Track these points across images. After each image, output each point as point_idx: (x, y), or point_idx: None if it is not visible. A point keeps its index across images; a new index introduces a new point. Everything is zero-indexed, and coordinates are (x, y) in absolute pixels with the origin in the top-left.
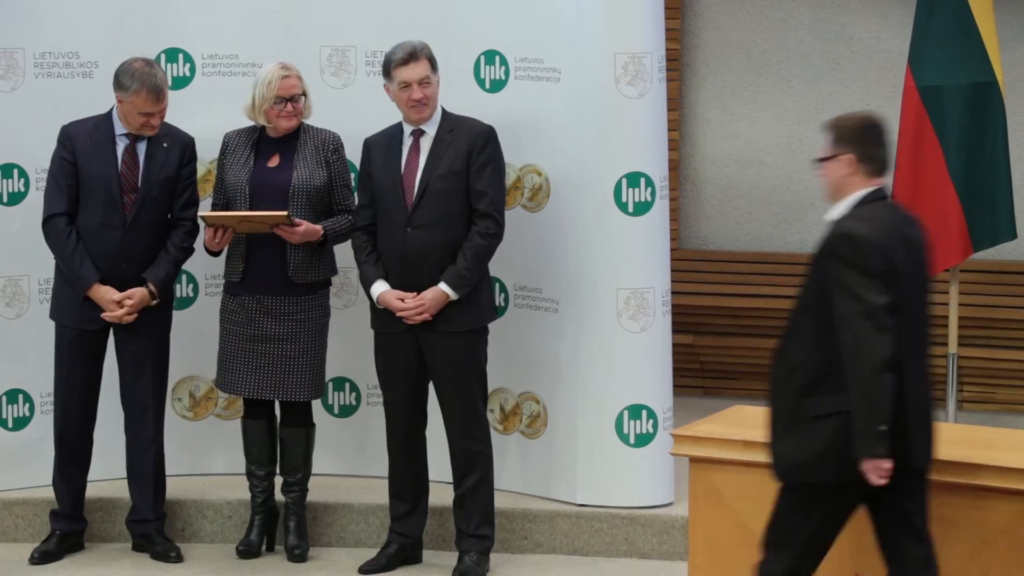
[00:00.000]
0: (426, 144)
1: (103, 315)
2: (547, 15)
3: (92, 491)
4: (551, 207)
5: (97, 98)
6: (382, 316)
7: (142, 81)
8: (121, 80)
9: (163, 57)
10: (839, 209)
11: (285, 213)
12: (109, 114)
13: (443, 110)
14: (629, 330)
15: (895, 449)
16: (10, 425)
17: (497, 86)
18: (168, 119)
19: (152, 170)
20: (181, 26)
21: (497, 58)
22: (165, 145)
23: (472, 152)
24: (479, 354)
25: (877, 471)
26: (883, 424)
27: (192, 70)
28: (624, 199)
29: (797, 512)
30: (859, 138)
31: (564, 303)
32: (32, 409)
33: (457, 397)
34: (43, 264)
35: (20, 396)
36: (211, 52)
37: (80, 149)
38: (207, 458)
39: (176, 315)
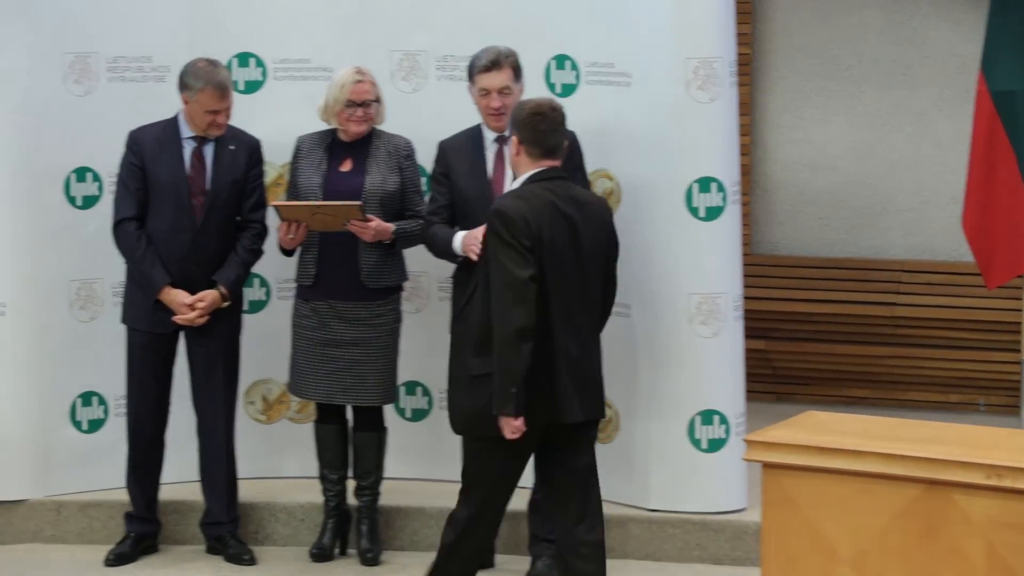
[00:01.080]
0: (510, 152)
1: (175, 318)
2: (618, 19)
3: (166, 493)
4: (622, 212)
5: (169, 102)
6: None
7: (207, 79)
8: (186, 80)
9: (234, 62)
10: (512, 187)
11: (359, 203)
12: (176, 118)
13: None
14: (701, 335)
15: (545, 407)
16: (85, 427)
17: (568, 90)
18: (239, 123)
19: (220, 172)
20: (252, 30)
21: (567, 62)
22: (232, 148)
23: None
24: None
25: (509, 427)
26: (513, 386)
27: (263, 74)
28: (695, 204)
29: (477, 460)
30: (524, 124)
31: (636, 308)
32: (106, 411)
33: None
34: (117, 267)
35: (94, 399)
36: (282, 56)
37: (148, 153)
38: (280, 461)
39: (249, 318)
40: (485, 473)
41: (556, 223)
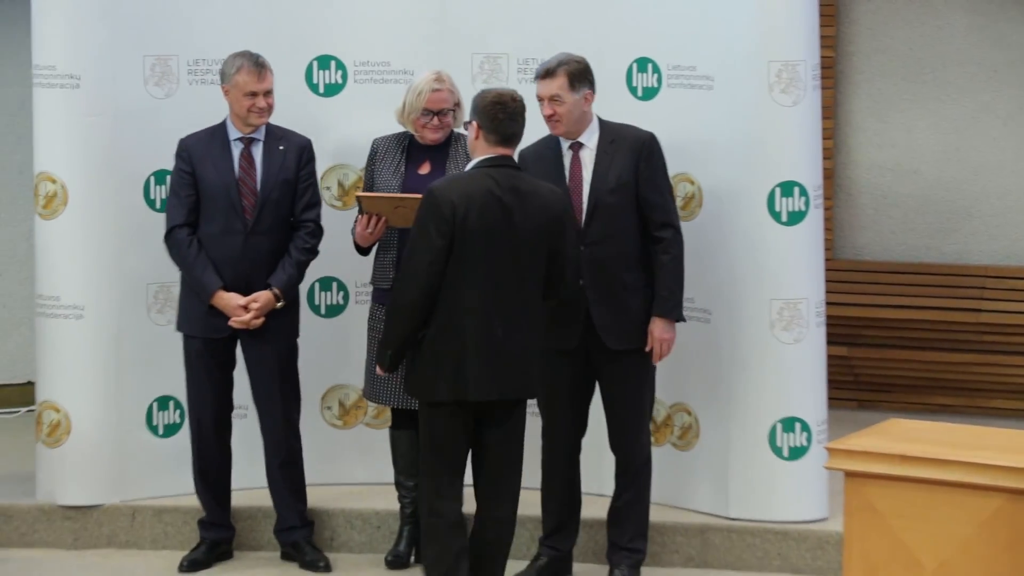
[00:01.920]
0: (588, 158)
1: (230, 322)
2: (700, 22)
3: (240, 500)
4: (703, 216)
5: None
6: (572, 335)
7: (242, 58)
8: (223, 70)
9: (315, 64)
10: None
11: None
12: (223, 122)
13: (599, 120)
14: (782, 341)
15: (454, 383)
16: (161, 432)
17: (649, 94)
18: (319, 126)
19: (270, 172)
20: (333, 33)
21: (650, 65)
22: (281, 147)
23: (639, 162)
24: (650, 366)
25: (380, 373)
26: (390, 348)
27: (344, 77)
28: (778, 208)
29: (423, 426)
30: (484, 111)
31: (716, 313)
32: (183, 416)
33: (632, 407)
34: None
35: (171, 403)
36: (363, 59)
37: (197, 158)
38: (356, 467)
39: (326, 323)
40: (426, 438)
41: (489, 209)
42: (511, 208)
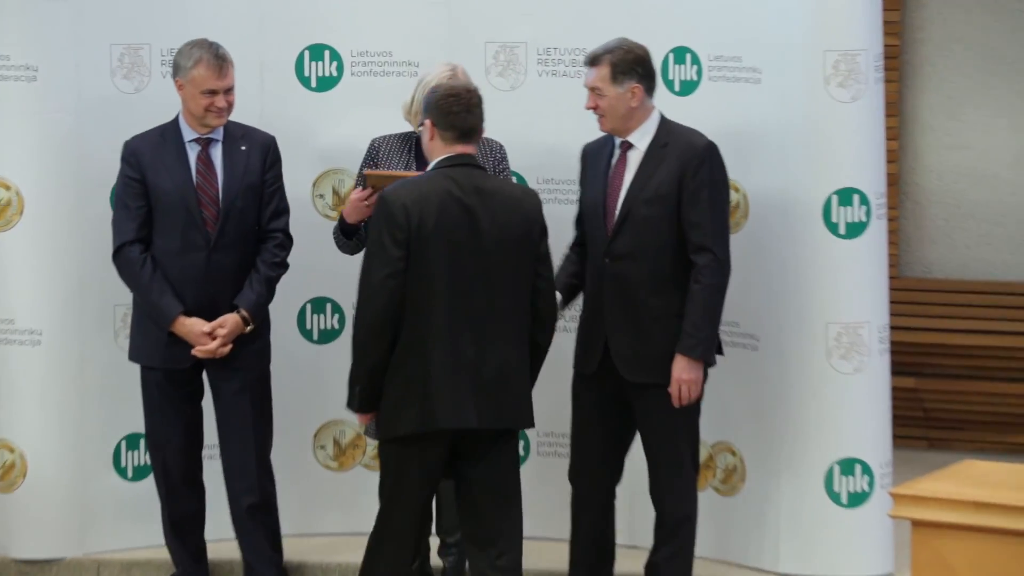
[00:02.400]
0: (634, 160)
1: (194, 351)
2: (747, 6)
3: (219, 552)
4: (750, 228)
5: (237, 101)
6: (589, 361)
7: (200, 50)
8: (177, 62)
9: (307, 55)
10: None
11: None
12: (175, 121)
13: (662, 118)
14: (841, 371)
15: (420, 412)
16: (130, 475)
17: (688, 88)
18: (308, 125)
19: (232, 177)
20: (327, 20)
21: (688, 56)
22: (243, 148)
23: (685, 173)
24: (694, 407)
25: (361, 421)
26: (358, 384)
27: (339, 69)
28: (835, 219)
29: (382, 467)
30: (436, 106)
31: (765, 339)
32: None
33: (664, 452)
34: None
35: (142, 442)
36: (361, 49)
37: (147, 164)
38: (355, 513)
39: (319, 349)
40: (385, 481)
41: (448, 213)
42: (474, 210)
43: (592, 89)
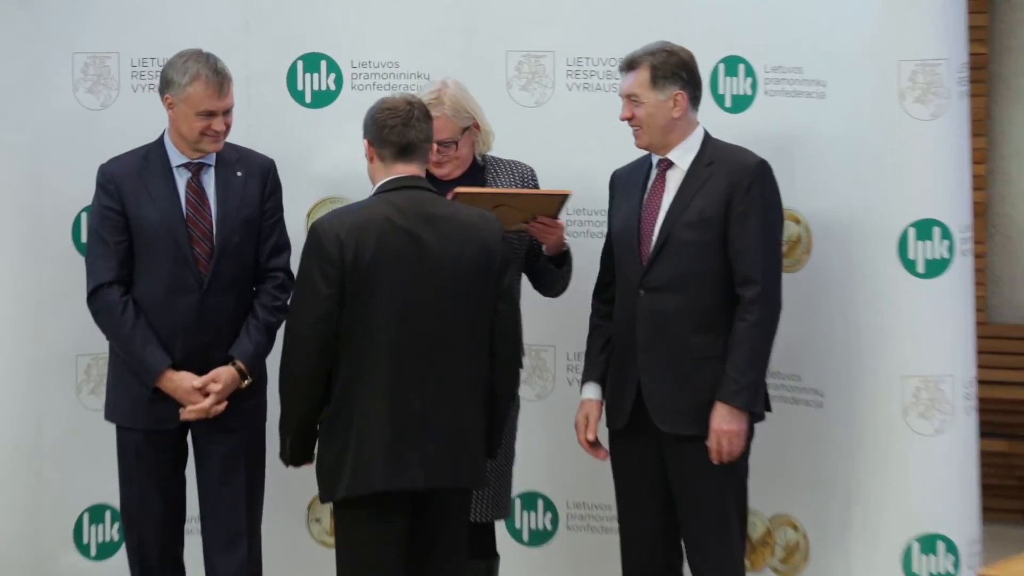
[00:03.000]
0: (674, 180)
1: (184, 411)
2: (809, 8)
3: None
4: (813, 266)
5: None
6: (619, 412)
7: (198, 64)
8: (169, 76)
9: (299, 65)
10: None
11: (568, 192)
12: (160, 142)
13: (706, 135)
14: (920, 432)
15: (354, 471)
16: (93, 553)
17: (741, 104)
18: (304, 147)
19: (228, 208)
20: (324, 25)
21: (741, 67)
22: (240, 173)
23: (734, 194)
24: (740, 465)
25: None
26: (288, 436)
27: (338, 82)
28: (911, 255)
29: (336, 533)
30: (371, 121)
31: (831, 395)
32: (122, 532)
33: (706, 517)
34: None
35: (107, 514)
36: (363, 59)
37: (129, 191)
38: None
39: None
40: (339, 549)
41: (389, 243)
42: (421, 239)
43: (628, 97)
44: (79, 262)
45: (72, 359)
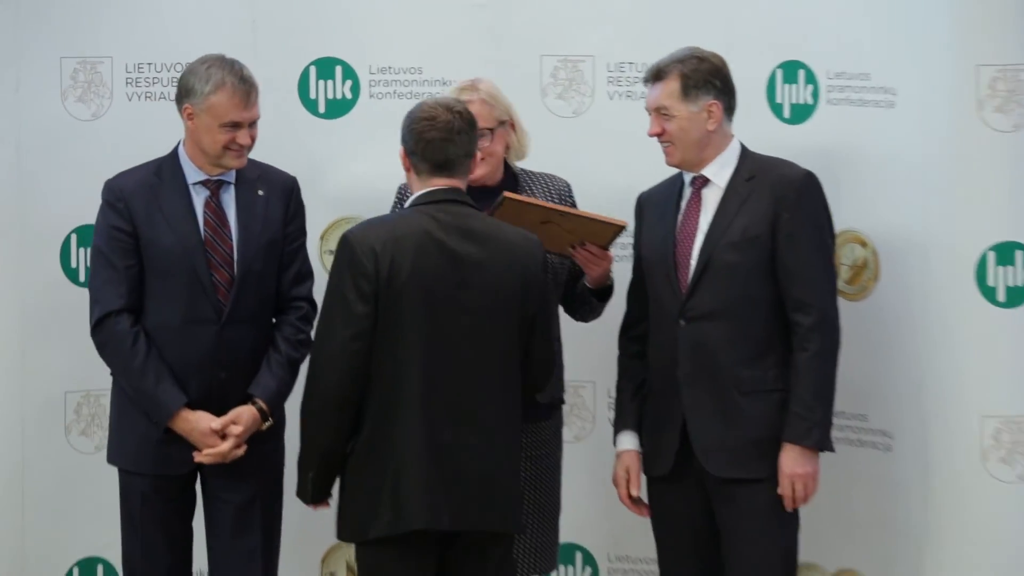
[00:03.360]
0: (712, 198)
1: (200, 455)
2: (876, 13)
3: None
4: (880, 293)
5: None
6: (660, 457)
7: (222, 71)
8: (189, 84)
9: (312, 71)
10: None
11: (624, 223)
12: (174, 156)
13: (743, 149)
14: (1001, 479)
15: (391, 510)
16: None
17: (801, 114)
18: (318, 162)
19: (250, 231)
20: (339, 28)
21: (801, 73)
22: (261, 192)
23: (780, 210)
24: (794, 511)
25: (315, 509)
26: (310, 470)
27: (355, 90)
28: (991, 282)
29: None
30: (410, 131)
31: (901, 437)
32: None
33: (750, 569)
34: None
35: (99, 567)
36: (383, 64)
37: (140, 211)
38: None
39: None
40: None
41: (427, 259)
42: (461, 257)
43: (657, 110)
44: (68, 288)
45: (60, 396)
